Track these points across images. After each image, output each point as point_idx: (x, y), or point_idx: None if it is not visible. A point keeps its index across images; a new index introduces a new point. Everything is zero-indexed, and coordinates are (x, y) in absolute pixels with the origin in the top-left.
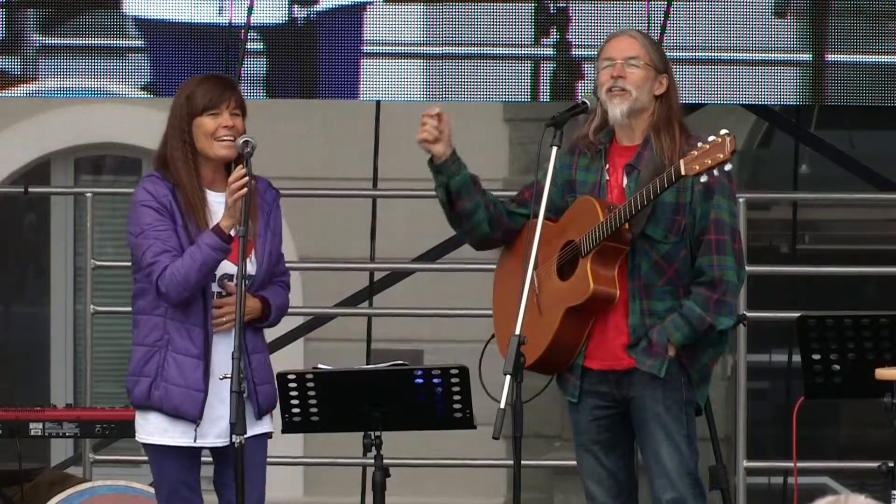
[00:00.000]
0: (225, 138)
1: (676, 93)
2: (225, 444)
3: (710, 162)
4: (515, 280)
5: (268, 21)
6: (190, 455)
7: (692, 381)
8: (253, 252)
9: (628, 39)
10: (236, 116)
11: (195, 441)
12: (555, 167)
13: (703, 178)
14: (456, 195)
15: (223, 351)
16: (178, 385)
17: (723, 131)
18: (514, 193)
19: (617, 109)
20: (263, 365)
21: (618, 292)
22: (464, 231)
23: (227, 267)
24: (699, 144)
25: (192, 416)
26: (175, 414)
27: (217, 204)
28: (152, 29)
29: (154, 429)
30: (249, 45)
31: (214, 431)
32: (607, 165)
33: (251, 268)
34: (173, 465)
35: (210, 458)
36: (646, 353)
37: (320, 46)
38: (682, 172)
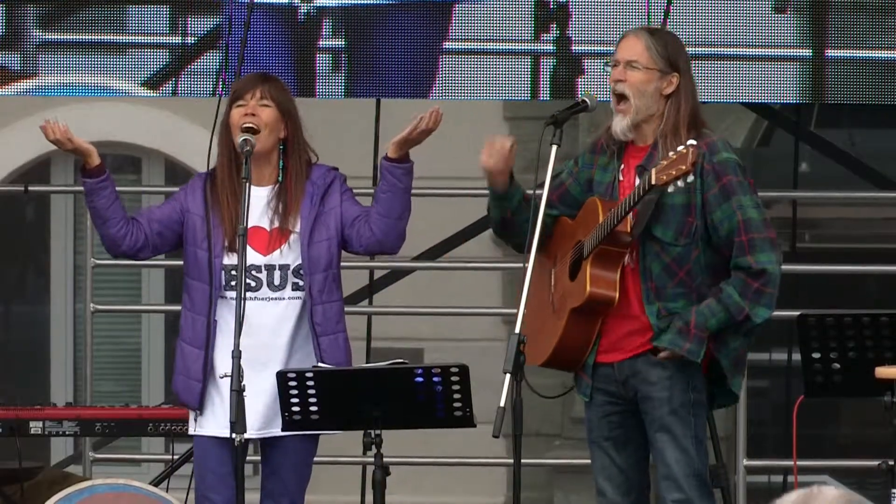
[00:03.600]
0: (245, 126)
1: (689, 91)
2: (258, 437)
3: (674, 173)
4: (544, 278)
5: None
6: (222, 444)
7: (723, 368)
8: (288, 244)
9: (633, 39)
10: (264, 107)
11: (195, 430)
12: (577, 165)
13: (670, 189)
14: (511, 220)
15: (225, 343)
16: (181, 374)
17: (689, 142)
18: None
19: (617, 126)
20: (334, 345)
21: (616, 295)
22: (508, 240)
23: (253, 258)
24: (670, 154)
25: (193, 405)
26: (182, 403)
27: (256, 199)
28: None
29: (192, 419)
30: (330, 42)
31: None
32: (622, 166)
33: (279, 256)
34: (198, 452)
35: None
36: (682, 337)
37: (355, 46)
38: (653, 182)
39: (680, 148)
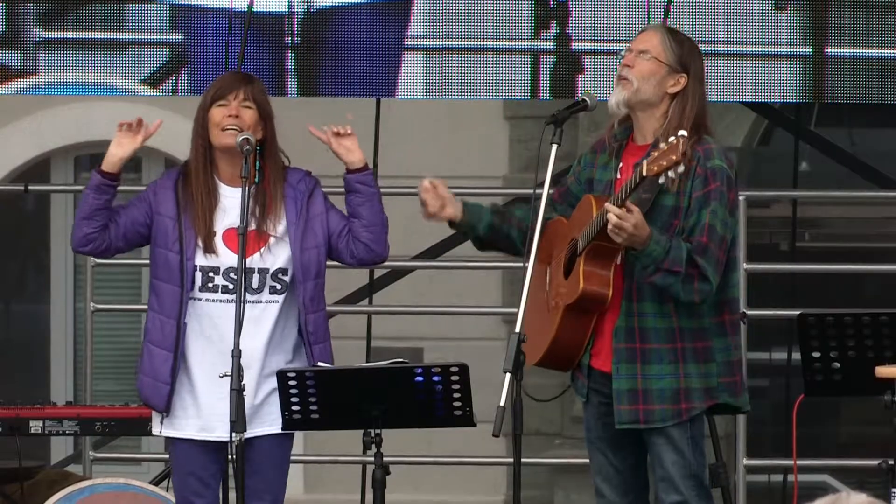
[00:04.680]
0: (228, 128)
1: (697, 96)
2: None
3: (665, 163)
4: (540, 278)
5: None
6: (201, 447)
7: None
8: (267, 247)
9: (650, 32)
10: (247, 109)
11: (161, 432)
12: (579, 164)
13: (661, 180)
14: (488, 240)
15: (199, 345)
16: (147, 376)
17: (680, 132)
18: (515, 191)
19: (613, 98)
20: (325, 353)
21: (610, 292)
22: (496, 250)
23: (232, 260)
24: (661, 145)
25: (159, 407)
26: (147, 404)
27: (232, 199)
28: (189, 17)
29: (155, 421)
30: (292, 40)
31: (223, 427)
32: (620, 164)
33: (259, 260)
34: (177, 456)
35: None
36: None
37: (323, 44)
38: (644, 173)
39: (671, 139)
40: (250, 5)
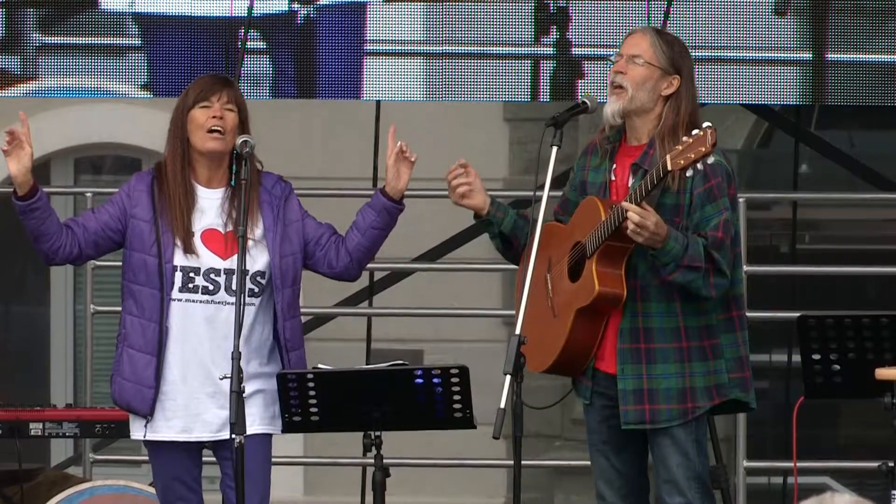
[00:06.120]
0: (214, 129)
1: (690, 96)
2: (212, 438)
3: (693, 156)
4: (539, 285)
5: (269, 11)
6: (183, 451)
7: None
8: (248, 250)
9: (639, 36)
10: (229, 111)
11: (145, 436)
12: (573, 169)
13: (689, 173)
14: (512, 237)
15: (176, 346)
16: (128, 380)
17: (705, 124)
18: (515, 193)
19: (609, 109)
20: (300, 361)
21: (624, 292)
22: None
23: (212, 261)
24: (684, 139)
25: (144, 411)
26: (128, 409)
27: (209, 201)
28: (151, 25)
29: (136, 426)
30: (252, 44)
31: (200, 427)
32: (614, 166)
33: (247, 263)
34: (160, 460)
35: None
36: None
37: (321, 46)
38: (669, 168)
39: (696, 132)
40: (250, 7)
